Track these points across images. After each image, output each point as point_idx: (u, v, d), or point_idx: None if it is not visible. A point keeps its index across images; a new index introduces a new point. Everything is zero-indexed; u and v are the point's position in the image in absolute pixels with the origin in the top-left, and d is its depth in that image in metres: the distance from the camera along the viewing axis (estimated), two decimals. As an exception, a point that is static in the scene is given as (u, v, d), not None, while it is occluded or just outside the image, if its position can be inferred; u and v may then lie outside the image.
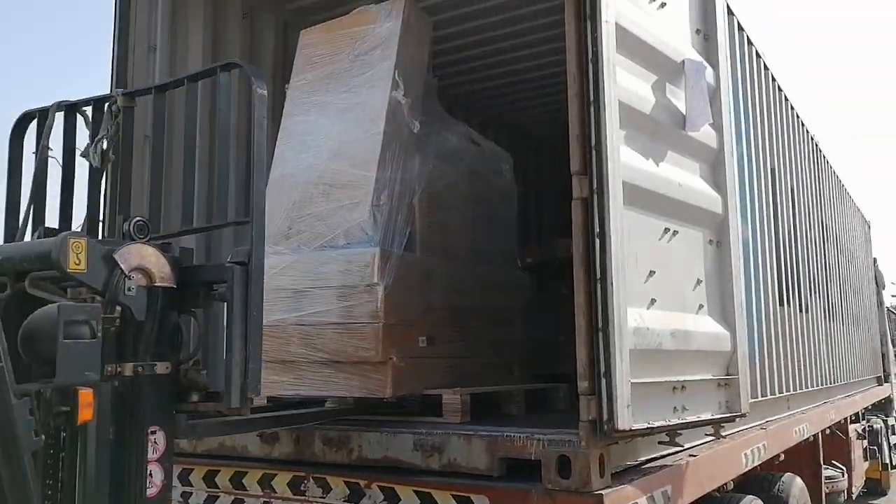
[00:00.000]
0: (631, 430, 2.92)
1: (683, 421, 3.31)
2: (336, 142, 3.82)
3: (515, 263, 4.82)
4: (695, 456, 3.63)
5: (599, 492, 2.81)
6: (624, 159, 3.14)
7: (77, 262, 2.14)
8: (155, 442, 2.30)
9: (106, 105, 2.87)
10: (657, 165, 3.45)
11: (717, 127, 3.82)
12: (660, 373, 3.23)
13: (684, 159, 3.65)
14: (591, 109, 3.03)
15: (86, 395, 1.97)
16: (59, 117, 2.95)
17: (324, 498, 3.43)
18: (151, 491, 2.28)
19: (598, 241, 2.96)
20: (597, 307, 2.93)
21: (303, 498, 3.48)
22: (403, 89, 3.82)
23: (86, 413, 1.98)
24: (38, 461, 2.04)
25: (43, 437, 1.92)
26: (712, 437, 3.90)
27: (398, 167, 3.75)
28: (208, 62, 4.56)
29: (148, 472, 2.26)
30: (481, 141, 4.64)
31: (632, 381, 2.94)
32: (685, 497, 3.41)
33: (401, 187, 3.74)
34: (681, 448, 3.58)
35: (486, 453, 3.11)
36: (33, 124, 2.98)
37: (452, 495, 3.13)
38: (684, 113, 3.58)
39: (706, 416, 3.50)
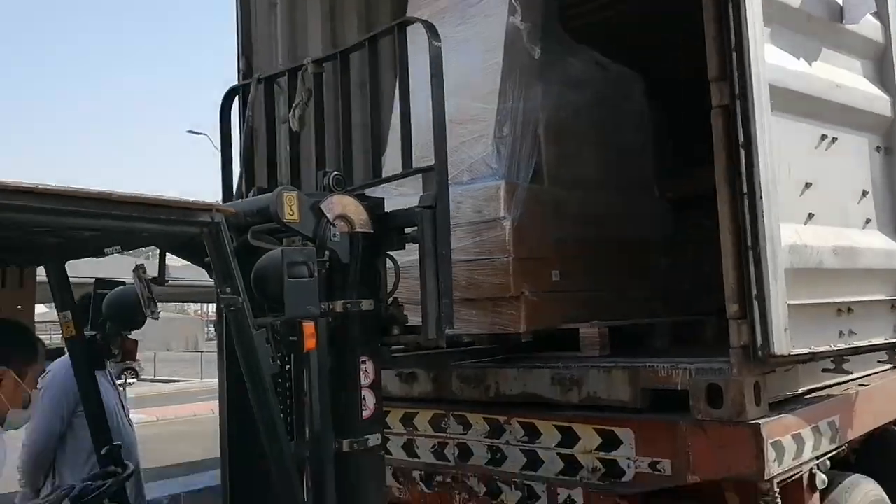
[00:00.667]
0: (789, 355, 2.67)
1: (851, 346, 3.00)
2: (455, 76, 3.69)
3: (653, 193, 4.54)
4: (866, 386, 3.29)
5: (756, 421, 2.60)
6: (769, 60, 2.82)
7: (291, 212, 2.41)
8: (366, 370, 2.56)
9: (299, 74, 3.13)
10: (809, 65, 3.08)
11: (883, 17, 3.36)
12: (822, 294, 2.93)
13: (842, 56, 3.25)
14: (730, 5, 2.73)
15: (309, 327, 2.19)
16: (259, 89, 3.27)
17: (464, 434, 3.42)
18: (366, 413, 2.55)
19: (742, 151, 2.69)
20: (745, 224, 2.68)
21: (444, 435, 3.49)
22: (521, 14, 3.62)
23: (310, 342, 2.20)
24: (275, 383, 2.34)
25: (278, 362, 2.19)
26: (887, 366, 3.52)
27: (520, 97, 3.59)
28: (326, 18, 4.58)
29: (362, 396, 2.53)
30: (609, 65, 4.35)
31: (789, 302, 2.68)
32: (855, 429, 3.11)
33: (524, 118, 3.58)
34: (849, 377, 3.26)
35: (628, 385, 2.97)
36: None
37: (594, 429, 3.02)
38: (841, 3, 3.16)
39: (878, 340, 3.15)
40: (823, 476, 2.92)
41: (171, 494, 5.57)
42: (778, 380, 2.89)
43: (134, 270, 2.18)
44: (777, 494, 2.64)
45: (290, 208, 2.42)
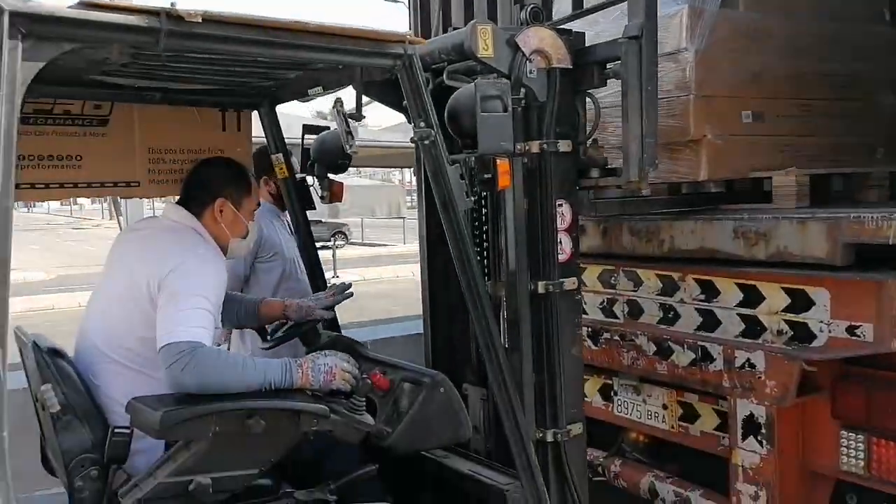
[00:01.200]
0: None
1: None
2: None
3: (882, 18, 3.75)
4: None
5: None
6: None
7: (485, 47, 2.33)
8: (562, 214, 2.48)
9: None
10: None
11: None
12: None
13: None
14: None
15: (503, 164, 2.13)
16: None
17: (635, 291, 3.21)
18: (562, 257, 2.49)
19: None
20: None
21: (613, 291, 3.30)
22: None
23: (504, 180, 2.15)
24: (470, 220, 2.52)
25: (472, 199, 2.16)
26: None
27: None
28: None
29: (558, 239, 2.47)
30: None
31: None
32: None
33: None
34: None
35: (826, 239, 2.56)
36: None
37: (783, 288, 2.68)
38: None
39: None
40: None
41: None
42: None
43: (333, 105, 2.23)
44: None
45: (485, 42, 2.32)
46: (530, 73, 2.38)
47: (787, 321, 2.66)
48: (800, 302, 2.62)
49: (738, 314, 2.82)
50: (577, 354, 2.57)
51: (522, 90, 2.40)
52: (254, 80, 2.62)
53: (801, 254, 2.64)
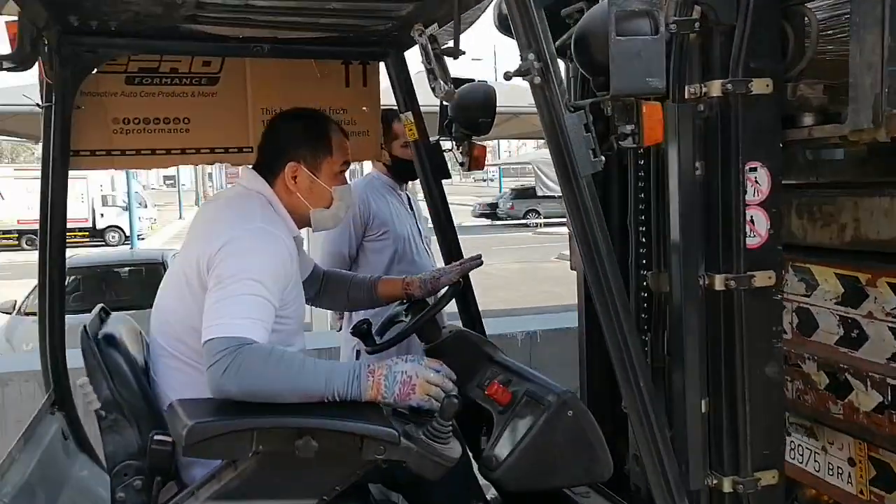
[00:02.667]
0: None
1: None
2: None
3: None
4: None
5: None
6: None
7: None
8: (756, 181, 1.77)
9: None
10: None
11: None
12: None
13: None
14: None
15: (652, 110, 1.53)
16: None
17: (807, 297, 2.29)
18: (754, 241, 1.76)
19: None
20: None
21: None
22: None
23: (653, 133, 1.55)
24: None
25: (603, 159, 1.56)
26: None
27: None
28: None
29: (749, 217, 1.76)
30: None
31: None
32: None
33: None
34: None
35: None
36: None
37: None
38: None
39: None
40: None
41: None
42: None
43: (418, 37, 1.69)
44: None
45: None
46: None
47: None
48: None
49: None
50: (775, 376, 1.84)
51: (697, 8, 1.70)
52: (369, 23, 2.23)
53: None
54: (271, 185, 1.86)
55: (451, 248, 2.56)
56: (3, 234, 20.70)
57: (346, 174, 2.01)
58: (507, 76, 1.53)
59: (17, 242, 20.37)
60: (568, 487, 1.90)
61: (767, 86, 1.75)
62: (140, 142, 2.33)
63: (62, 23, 2.03)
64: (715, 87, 1.73)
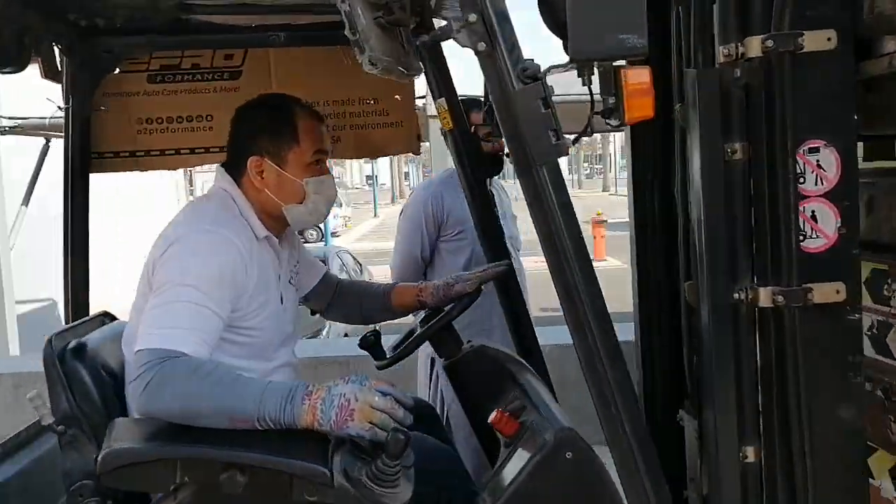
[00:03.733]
0: None
1: None
2: None
3: None
4: None
5: None
6: None
7: None
8: (819, 166, 1.39)
9: None
10: None
11: None
12: None
13: None
14: None
15: (636, 75, 1.20)
16: None
17: None
18: (816, 244, 1.38)
19: None
20: None
21: (886, 310, 1.83)
22: None
23: (638, 106, 1.21)
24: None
25: (569, 141, 1.27)
26: None
27: None
28: None
29: (808, 213, 1.38)
30: None
31: None
32: None
33: None
34: None
35: None
36: None
37: None
38: None
39: None
40: None
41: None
42: None
43: None
44: None
45: None
46: None
47: None
48: None
49: None
50: (853, 419, 1.40)
51: None
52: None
53: None
54: (238, 182, 1.69)
55: (493, 247, 2.28)
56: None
57: (336, 166, 1.80)
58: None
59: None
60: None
61: (831, 39, 1.33)
62: (164, 141, 2.26)
63: (68, 25, 2.00)
64: (754, 45, 1.35)
